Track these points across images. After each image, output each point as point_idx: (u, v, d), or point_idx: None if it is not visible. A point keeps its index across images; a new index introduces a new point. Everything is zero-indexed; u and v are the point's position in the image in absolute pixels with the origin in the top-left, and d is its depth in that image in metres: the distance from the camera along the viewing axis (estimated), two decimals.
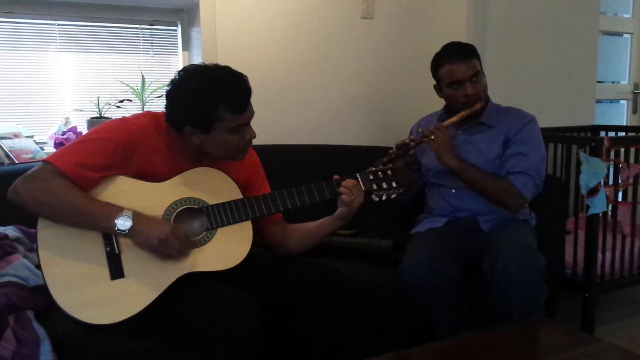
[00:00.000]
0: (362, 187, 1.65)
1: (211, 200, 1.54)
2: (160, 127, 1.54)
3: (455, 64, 1.98)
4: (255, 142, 1.57)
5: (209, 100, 1.44)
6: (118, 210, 1.41)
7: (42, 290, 1.43)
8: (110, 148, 1.45)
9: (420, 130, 2.01)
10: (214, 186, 1.55)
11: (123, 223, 1.40)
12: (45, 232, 1.42)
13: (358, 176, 1.67)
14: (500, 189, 1.96)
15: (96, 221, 1.42)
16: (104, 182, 1.46)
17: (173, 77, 1.50)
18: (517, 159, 1.99)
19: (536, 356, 1.52)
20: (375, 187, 1.67)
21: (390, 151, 1.93)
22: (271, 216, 1.63)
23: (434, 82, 2.10)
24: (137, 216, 1.42)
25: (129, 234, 1.41)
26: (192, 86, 1.45)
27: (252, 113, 1.53)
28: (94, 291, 1.41)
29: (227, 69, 1.49)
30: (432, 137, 1.95)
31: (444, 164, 1.96)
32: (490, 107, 2.09)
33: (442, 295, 1.82)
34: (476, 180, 1.96)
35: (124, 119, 1.53)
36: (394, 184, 1.68)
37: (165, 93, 1.52)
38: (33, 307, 1.49)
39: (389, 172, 1.70)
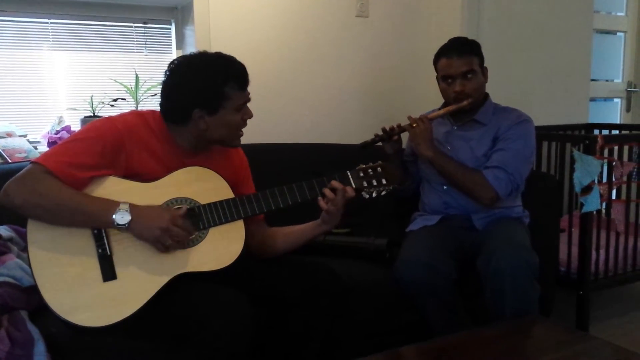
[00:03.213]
0: (353, 184, 1.65)
1: (203, 200, 1.53)
2: (148, 125, 1.54)
3: (450, 58, 2.00)
4: (250, 141, 1.57)
5: (217, 78, 1.49)
6: (115, 205, 1.40)
7: (36, 290, 1.42)
8: (98, 147, 1.44)
9: (407, 116, 2.03)
10: (205, 185, 1.55)
11: (121, 217, 1.38)
12: (35, 235, 1.41)
13: (348, 173, 1.66)
14: (471, 181, 1.96)
15: (93, 218, 1.40)
16: (95, 183, 1.45)
17: (168, 68, 1.53)
18: (498, 154, 1.99)
19: (531, 354, 1.52)
20: (365, 184, 1.67)
21: (375, 134, 1.98)
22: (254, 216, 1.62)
23: (430, 78, 2.11)
24: (134, 208, 1.40)
25: (129, 227, 1.39)
26: (197, 67, 1.51)
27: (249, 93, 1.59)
28: (86, 294, 1.39)
29: (217, 53, 1.55)
30: (414, 126, 1.97)
31: (419, 153, 1.99)
32: (487, 105, 2.09)
33: (438, 293, 1.83)
34: (448, 171, 1.97)
35: (109, 118, 1.53)
36: (383, 181, 1.68)
37: (163, 84, 1.53)
38: (27, 307, 1.49)
39: (379, 169, 1.69)
